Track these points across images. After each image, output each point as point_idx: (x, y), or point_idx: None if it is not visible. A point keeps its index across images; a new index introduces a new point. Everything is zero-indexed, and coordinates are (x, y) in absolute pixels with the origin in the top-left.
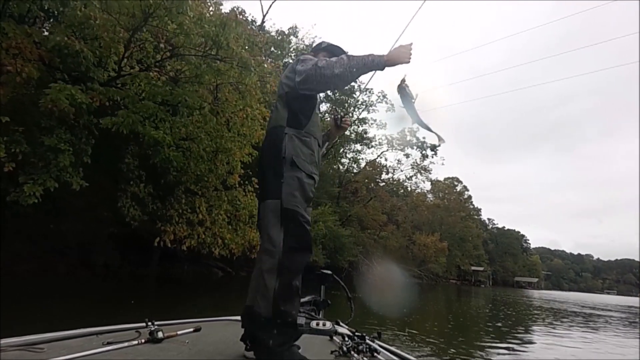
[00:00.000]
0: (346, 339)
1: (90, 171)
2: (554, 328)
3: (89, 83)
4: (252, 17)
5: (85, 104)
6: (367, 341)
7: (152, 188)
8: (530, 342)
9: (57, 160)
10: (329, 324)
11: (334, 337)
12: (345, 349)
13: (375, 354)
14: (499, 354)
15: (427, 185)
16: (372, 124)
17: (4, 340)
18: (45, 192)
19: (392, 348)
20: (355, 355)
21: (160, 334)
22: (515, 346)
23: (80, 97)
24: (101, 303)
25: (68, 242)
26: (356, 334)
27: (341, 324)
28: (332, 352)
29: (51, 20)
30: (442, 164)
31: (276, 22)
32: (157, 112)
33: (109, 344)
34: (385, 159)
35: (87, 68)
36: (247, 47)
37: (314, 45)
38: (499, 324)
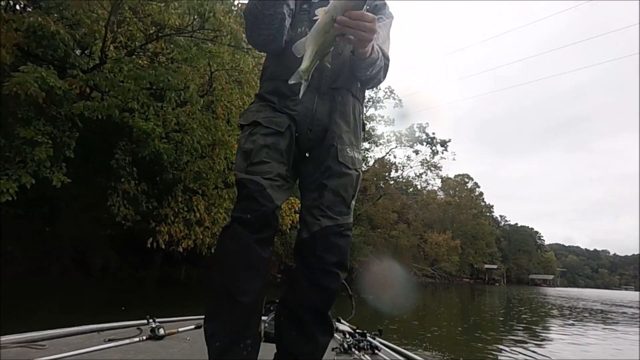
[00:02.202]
0: (347, 336)
1: (87, 171)
2: (577, 329)
3: (70, 70)
4: None
5: (61, 89)
6: (368, 338)
7: (146, 186)
8: (551, 345)
9: (33, 154)
10: None
11: (335, 334)
12: (346, 345)
13: (376, 351)
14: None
15: (438, 182)
16: (379, 120)
17: (5, 337)
18: (41, 193)
19: (393, 345)
20: (356, 352)
21: (161, 331)
22: (535, 352)
23: (53, 81)
24: (94, 307)
25: (64, 243)
26: (357, 331)
27: (342, 321)
28: (333, 349)
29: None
30: (454, 159)
31: None
32: (138, 95)
33: (110, 340)
34: (394, 157)
35: (67, 53)
36: (237, 20)
37: None
38: (516, 327)
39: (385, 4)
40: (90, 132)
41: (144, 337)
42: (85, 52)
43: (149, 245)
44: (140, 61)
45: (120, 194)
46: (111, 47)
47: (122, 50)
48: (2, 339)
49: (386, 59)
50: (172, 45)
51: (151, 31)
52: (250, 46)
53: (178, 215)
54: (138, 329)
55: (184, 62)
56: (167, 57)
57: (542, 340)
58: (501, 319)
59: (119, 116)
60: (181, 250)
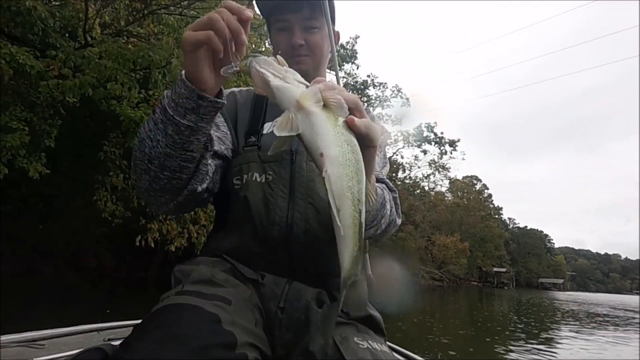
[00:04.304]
0: None
1: (83, 167)
2: (599, 340)
3: (49, 51)
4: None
5: (34, 68)
6: None
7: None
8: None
9: (5, 141)
10: None
11: None
12: None
13: None
14: None
15: (446, 184)
16: (386, 120)
17: (5, 337)
18: (36, 189)
19: (394, 345)
20: None
21: None
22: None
23: (24, 59)
24: (90, 309)
25: (58, 243)
26: None
27: None
28: None
29: None
30: (463, 159)
31: None
32: (116, 73)
33: (109, 340)
34: (402, 157)
35: (45, 32)
36: None
37: None
38: (528, 334)
39: (374, 117)
40: (84, 125)
41: None
42: (70, 34)
43: (137, 244)
44: (130, 46)
45: (108, 189)
46: (96, 27)
47: (110, 36)
48: (1, 338)
49: (391, 190)
50: (161, 26)
51: (138, 8)
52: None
53: None
54: None
55: (174, 42)
56: (160, 40)
57: (555, 348)
58: (518, 325)
59: (105, 105)
60: (173, 249)
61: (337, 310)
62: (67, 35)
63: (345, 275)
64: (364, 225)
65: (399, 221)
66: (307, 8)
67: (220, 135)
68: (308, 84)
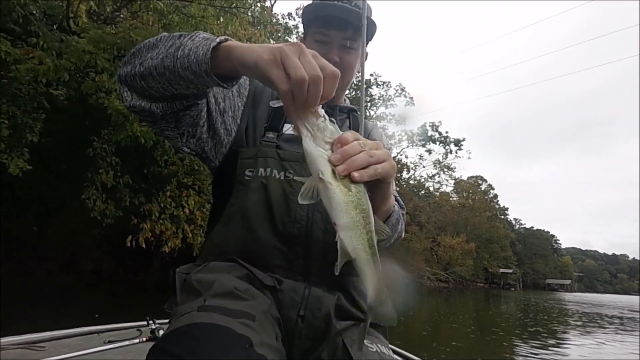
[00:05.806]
0: None
1: (83, 167)
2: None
3: (30, 38)
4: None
5: (9, 54)
6: None
7: (130, 179)
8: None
9: None
10: None
11: None
12: None
13: None
14: None
15: (451, 184)
16: (390, 119)
17: (5, 339)
18: (34, 194)
19: (392, 347)
20: None
21: (161, 333)
22: None
23: None
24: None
25: (55, 245)
26: None
27: None
28: None
29: None
30: (469, 158)
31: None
32: (96, 58)
33: (110, 342)
34: (406, 157)
35: (27, 20)
36: None
37: None
38: (540, 339)
39: (381, 133)
40: (78, 123)
41: (144, 339)
42: (56, 23)
43: (128, 244)
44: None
45: (98, 187)
46: (82, 15)
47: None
48: (2, 340)
49: (401, 207)
50: (149, 12)
51: None
52: (236, 6)
53: (164, 212)
54: (138, 330)
55: (162, 29)
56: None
57: (565, 350)
58: (526, 328)
59: (94, 98)
60: (167, 250)
61: (365, 333)
62: (54, 25)
63: (371, 301)
64: (378, 259)
65: (403, 234)
66: (351, 29)
67: (232, 103)
68: (332, 139)
